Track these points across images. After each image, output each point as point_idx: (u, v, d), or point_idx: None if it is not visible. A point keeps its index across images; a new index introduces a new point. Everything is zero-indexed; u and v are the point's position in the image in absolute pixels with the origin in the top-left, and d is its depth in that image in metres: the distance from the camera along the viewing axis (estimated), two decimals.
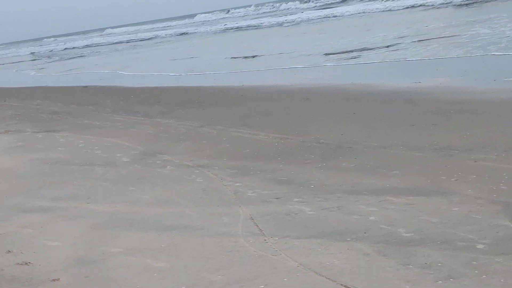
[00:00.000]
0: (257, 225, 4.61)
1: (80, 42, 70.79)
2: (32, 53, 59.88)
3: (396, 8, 36.59)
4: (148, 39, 54.42)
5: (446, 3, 32.07)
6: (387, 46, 19.04)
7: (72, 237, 4.66)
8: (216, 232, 4.56)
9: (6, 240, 4.71)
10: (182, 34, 51.85)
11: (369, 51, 18.66)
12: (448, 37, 18.50)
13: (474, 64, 13.67)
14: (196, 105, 12.42)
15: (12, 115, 14.11)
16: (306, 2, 66.52)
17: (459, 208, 4.62)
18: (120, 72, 24.71)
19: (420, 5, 34.05)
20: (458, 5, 30.78)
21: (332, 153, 7.10)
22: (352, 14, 39.97)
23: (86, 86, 20.02)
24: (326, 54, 19.36)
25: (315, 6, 56.79)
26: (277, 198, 5.36)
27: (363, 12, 39.34)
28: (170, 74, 21.15)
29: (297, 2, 67.76)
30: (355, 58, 17.62)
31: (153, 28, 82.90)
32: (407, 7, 35.20)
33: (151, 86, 17.60)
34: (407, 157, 6.52)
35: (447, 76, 12.87)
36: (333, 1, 56.58)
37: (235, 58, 23.00)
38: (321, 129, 8.56)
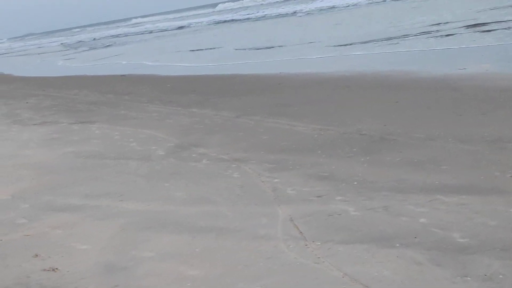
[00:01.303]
0: (297, 228, 4.30)
1: (111, 31, 71.43)
2: (62, 43, 60.43)
3: None
4: (177, 28, 54.23)
5: None
6: (426, 32, 18.42)
7: (102, 239, 4.43)
8: (254, 235, 4.26)
9: (34, 242, 4.51)
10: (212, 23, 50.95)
11: (407, 38, 18.08)
12: (490, 23, 17.76)
13: None
14: (231, 94, 12.15)
15: (49, 105, 14.07)
16: None
17: None
18: (152, 62, 24.59)
19: None
20: None
21: (375, 146, 6.72)
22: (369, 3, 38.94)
23: (123, 75, 19.94)
24: (363, 42, 18.80)
25: None
26: (318, 197, 5.03)
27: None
28: (203, 64, 20.90)
29: None
30: (394, 44, 17.08)
31: (180, 17, 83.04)
32: None
33: (186, 74, 17.39)
34: (456, 151, 6.11)
35: (494, 62, 12.30)
36: None
37: (269, 47, 22.52)
38: (363, 120, 8.17)
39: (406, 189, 5.00)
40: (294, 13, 44.15)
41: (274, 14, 47.36)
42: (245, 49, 23.05)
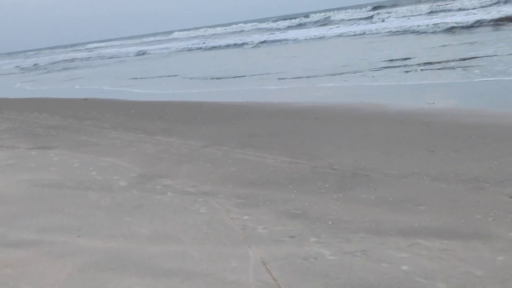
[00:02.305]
0: (270, 273, 3.98)
1: (67, 55, 70.81)
2: (17, 66, 59.29)
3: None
4: (136, 54, 53.59)
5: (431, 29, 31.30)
6: (389, 67, 18.51)
7: (57, 281, 4.03)
8: (224, 280, 3.93)
9: None
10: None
11: (372, 71, 18.11)
12: (452, 61, 17.88)
13: (487, 87, 13.06)
14: (199, 122, 11.83)
15: (7, 128, 13.53)
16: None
17: (505, 257, 3.99)
18: (114, 87, 24.18)
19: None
20: (445, 30, 30.06)
21: (348, 182, 6.48)
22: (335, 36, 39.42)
23: (86, 99, 19.46)
24: (330, 75, 18.78)
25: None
26: (291, 237, 4.73)
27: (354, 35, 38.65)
28: (168, 91, 20.62)
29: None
30: (360, 77, 17.06)
31: (135, 43, 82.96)
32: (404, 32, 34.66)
33: (151, 100, 17.02)
34: (432, 189, 5.90)
35: (462, 98, 12.29)
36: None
37: (233, 77, 22.32)
38: (334, 153, 7.95)
39: (384, 230, 4.74)
40: (246, 44, 44.23)
41: (231, 43, 47.39)
42: (207, 78, 22.78)
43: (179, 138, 10.14)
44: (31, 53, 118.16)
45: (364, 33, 36.27)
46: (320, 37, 40.36)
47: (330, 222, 5.05)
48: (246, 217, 5.36)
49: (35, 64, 58.05)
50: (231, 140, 9.48)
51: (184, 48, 53.07)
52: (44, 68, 49.74)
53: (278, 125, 10.65)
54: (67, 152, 9.61)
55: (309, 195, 6.05)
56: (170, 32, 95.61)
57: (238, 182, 6.85)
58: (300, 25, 60.28)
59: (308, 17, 66.06)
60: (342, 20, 55.76)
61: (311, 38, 40.84)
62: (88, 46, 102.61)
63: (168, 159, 8.50)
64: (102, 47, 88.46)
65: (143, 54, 52.75)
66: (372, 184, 6.29)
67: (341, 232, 4.77)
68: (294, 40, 41.88)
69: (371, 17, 51.26)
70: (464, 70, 15.56)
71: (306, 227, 4.95)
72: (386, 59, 20.15)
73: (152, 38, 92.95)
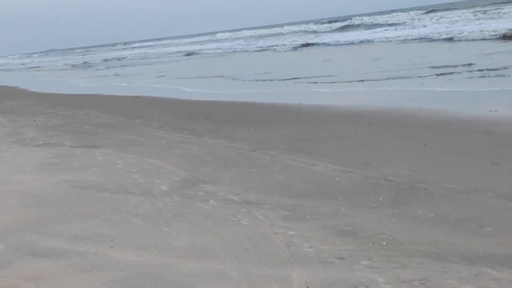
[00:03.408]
0: None
1: (119, 52, 71.56)
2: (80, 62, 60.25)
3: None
4: (186, 54, 53.53)
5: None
6: (442, 74, 17.72)
7: None
8: None
9: None
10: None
11: (423, 77, 17.38)
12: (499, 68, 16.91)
13: None
14: (247, 124, 11.47)
15: (56, 125, 13.48)
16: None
17: None
18: (166, 85, 24.11)
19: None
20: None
21: (404, 196, 5.97)
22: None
23: (137, 97, 19.41)
24: (381, 79, 18.13)
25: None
26: (340, 259, 4.27)
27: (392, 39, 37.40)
28: (219, 91, 20.35)
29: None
30: (412, 82, 16.35)
31: (181, 42, 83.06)
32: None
33: (202, 99, 16.78)
34: (498, 209, 5.34)
35: None
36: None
37: (297, 78, 21.84)
38: (388, 162, 7.43)
39: (445, 255, 4.23)
40: (307, 45, 43.48)
41: (288, 44, 46.67)
42: (259, 80, 22.38)
43: (226, 140, 9.79)
44: (78, 50, 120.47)
45: (406, 38, 35.21)
46: (361, 41, 39.43)
47: (384, 243, 4.57)
48: (291, 232, 4.94)
49: (84, 62, 58.92)
50: (280, 145, 9.06)
51: (233, 49, 52.81)
52: (94, 66, 50.43)
53: (329, 130, 10.18)
54: (112, 152, 9.39)
55: (361, 209, 5.57)
56: (214, 33, 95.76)
57: (285, 191, 6.44)
58: (345, 27, 59.09)
59: (351, 20, 64.90)
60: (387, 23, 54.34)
61: (354, 42, 39.94)
62: (135, 45, 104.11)
63: (213, 162, 8.16)
64: (148, 46, 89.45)
65: (191, 54, 52.76)
66: (431, 199, 5.76)
67: (397, 255, 4.28)
68: (339, 43, 40.98)
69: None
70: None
71: (357, 247, 4.48)
72: (440, 65, 19.31)
73: (196, 39, 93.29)
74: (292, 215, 5.48)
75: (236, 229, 5.08)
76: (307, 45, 43.41)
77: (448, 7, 60.41)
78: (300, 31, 66.19)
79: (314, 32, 61.47)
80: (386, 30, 46.77)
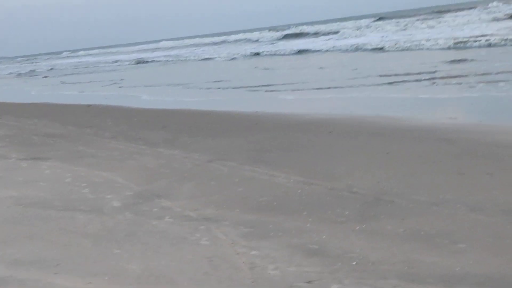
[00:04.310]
0: None
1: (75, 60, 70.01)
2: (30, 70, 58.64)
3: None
4: (136, 63, 52.56)
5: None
6: (396, 82, 17.71)
7: None
8: None
9: None
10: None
11: (380, 85, 17.34)
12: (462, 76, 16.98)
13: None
14: (205, 133, 11.07)
15: (2, 135, 12.82)
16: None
17: None
18: (118, 92, 23.55)
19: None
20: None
21: (371, 209, 5.68)
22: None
23: (90, 105, 18.77)
24: (338, 87, 18.03)
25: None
26: (308, 282, 3.93)
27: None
28: (177, 98, 19.93)
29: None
30: (371, 90, 16.25)
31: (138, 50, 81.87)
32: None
33: (157, 108, 16.30)
34: (469, 222, 5.10)
35: (485, 113, 11.49)
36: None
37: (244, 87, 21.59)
38: (352, 173, 7.16)
39: (420, 276, 3.94)
40: (257, 54, 42.94)
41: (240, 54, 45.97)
42: (213, 87, 22.02)
43: (182, 151, 9.38)
44: (21, 58, 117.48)
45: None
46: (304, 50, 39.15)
47: (354, 263, 4.25)
48: (254, 252, 4.58)
49: (30, 70, 57.18)
50: (239, 155, 8.71)
51: (182, 56, 52.13)
52: (41, 74, 49.13)
53: (289, 139, 9.88)
54: (61, 164, 8.87)
55: (327, 224, 5.26)
56: (158, 41, 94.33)
57: (246, 205, 6.08)
58: (287, 36, 58.78)
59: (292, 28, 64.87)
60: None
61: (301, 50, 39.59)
62: (80, 53, 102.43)
63: (169, 175, 7.75)
64: (95, 54, 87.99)
65: (142, 62, 51.84)
66: (399, 212, 5.49)
67: (369, 276, 3.97)
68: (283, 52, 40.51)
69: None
70: (486, 84, 14.73)
71: (326, 268, 4.15)
72: (392, 73, 19.31)
73: (140, 47, 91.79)
74: (254, 232, 5.13)
75: (194, 250, 4.69)
76: (257, 54, 42.95)
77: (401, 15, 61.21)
78: (245, 39, 65.93)
79: (257, 41, 61.08)
80: (328, 39, 46.61)
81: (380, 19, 59.49)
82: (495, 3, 43.70)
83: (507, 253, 4.28)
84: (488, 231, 4.80)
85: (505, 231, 4.76)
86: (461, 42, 27.04)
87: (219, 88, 21.42)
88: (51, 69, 56.40)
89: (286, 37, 58.38)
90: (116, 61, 57.18)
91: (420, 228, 4.99)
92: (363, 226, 5.16)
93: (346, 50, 34.56)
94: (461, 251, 4.39)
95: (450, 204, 5.63)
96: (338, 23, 63.93)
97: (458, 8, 52.33)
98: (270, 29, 77.61)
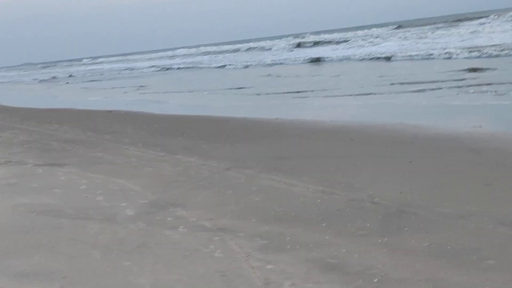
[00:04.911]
0: None
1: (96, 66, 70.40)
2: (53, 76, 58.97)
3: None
4: (162, 69, 52.52)
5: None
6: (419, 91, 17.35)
7: None
8: None
9: None
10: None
11: (402, 93, 17.02)
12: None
13: None
14: (223, 140, 10.89)
15: (22, 141, 12.76)
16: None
17: None
18: (139, 99, 23.50)
19: None
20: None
21: (393, 221, 5.43)
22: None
23: (110, 111, 18.72)
24: (360, 94, 17.74)
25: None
26: None
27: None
28: (197, 103, 19.80)
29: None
30: (392, 98, 15.96)
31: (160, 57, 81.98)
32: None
33: (177, 114, 16.17)
34: (498, 237, 4.82)
35: (511, 122, 11.14)
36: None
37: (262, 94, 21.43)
38: (373, 183, 6.90)
39: None
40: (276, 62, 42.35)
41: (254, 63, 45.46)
42: (238, 93, 21.89)
43: (200, 158, 9.20)
44: (39, 66, 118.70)
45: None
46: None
47: (375, 280, 4.01)
48: (269, 267, 4.35)
49: (53, 77, 57.49)
50: (257, 163, 8.50)
51: (202, 64, 51.99)
52: (65, 80, 49.45)
53: (309, 147, 9.65)
54: (77, 171, 8.74)
55: (347, 237, 5.02)
56: (174, 49, 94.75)
57: (262, 215, 5.86)
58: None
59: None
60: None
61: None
62: (100, 60, 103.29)
63: (186, 183, 7.56)
64: (117, 60, 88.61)
65: (163, 69, 51.79)
66: (423, 225, 5.23)
67: None
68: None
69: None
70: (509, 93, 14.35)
71: (345, 286, 3.92)
72: (414, 81, 18.96)
73: (158, 54, 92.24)
74: (270, 245, 4.91)
75: (207, 263, 4.48)
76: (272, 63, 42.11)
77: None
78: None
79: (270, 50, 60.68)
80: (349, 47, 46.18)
81: (399, 27, 59.04)
82: None
83: None
84: None
85: None
86: (479, 50, 26.58)
87: (238, 94, 21.29)
88: (70, 75, 56.79)
89: (300, 45, 58.18)
90: (136, 68, 57.35)
91: (445, 243, 4.73)
92: (385, 239, 4.91)
93: (363, 59, 34.15)
94: (490, 268, 4.12)
95: (477, 217, 5.36)
96: (356, 31, 63.63)
97: (477, 17, 51.80)
98: (287, 36, 77.57)
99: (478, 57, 25.14)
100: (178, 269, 4.38)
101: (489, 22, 43.77)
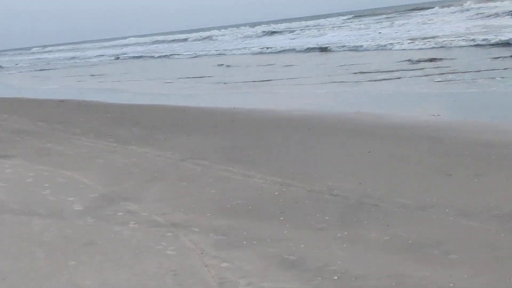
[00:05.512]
0: None
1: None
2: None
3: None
4: (114, 58, 51.76)
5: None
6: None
7: None
8: None
9: None
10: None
11: (360, 82, 17.00)
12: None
13: (496, 100, 11.94)
14: (179, 130, 10.59)
15: None
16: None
17: None
18: (94, 86, 22.94)
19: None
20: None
21: (352, 214, 5.26)
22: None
23: (62, 100, 18.14)
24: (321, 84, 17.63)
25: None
26: None
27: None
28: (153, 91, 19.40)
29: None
30: (351, 86, 15.89)
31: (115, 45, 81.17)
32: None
33: (132, 103, 15.75)
34: (460, 229, 4.70)
35: (469, 110, 11.17)
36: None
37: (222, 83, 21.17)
38: (332, 174, 6.74)
39: None
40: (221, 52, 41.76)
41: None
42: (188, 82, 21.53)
43: (154, 149, 8.89)
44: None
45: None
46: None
47: (335, 277, 3.82)
48: (225, 264, 4.12)
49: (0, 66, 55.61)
50: (213, 153, 8.24)
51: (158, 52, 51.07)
52: (10, 69, 47.99)
53: (266, 137, 9.43)
54: (24, 163, 8.33)
55: (305, 231, 4.82)
56: (126, 37, 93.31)
57: (218, 208, 5.62)
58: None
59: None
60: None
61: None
62: (49, 48, 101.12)
63: (138, 175, 7.26)
64: (67, 50, 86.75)
65: (116, 57, 50.72)
66: (383, 218, 5.08)
67: None
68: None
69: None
70: (465, 82, 14.43)
71: (305, 284, 3.71)
72: (369, 71, 18.97)
73: (108, 43, 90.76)
74: (226, 241, 4.67)
75: (159, 262, 4.22)
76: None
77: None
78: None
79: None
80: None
81: (355, 17, 59.37)
82: (468, 2, 43.86)
83: (503, 266, 3.87)
84: (482, 240, 4.40)
85: (500, 240, 4.36)
86: (435, 39, 26.81)
87: (190, 83, 20.95)
88: (16, 64, 55.06)
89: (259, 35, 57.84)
90: (87, 58, 55.99)
91: (406, 235, 4.58)
92: (345, 233, 4.73)
93: (313, 49, 33.85)
94: (453, 263, 3.98)
95: (439, 208, 5.24)
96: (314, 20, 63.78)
97: (431, 6, 52.52)
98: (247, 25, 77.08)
99: (433, 47, 25.31)
100: (127, 269, 4.10)
101: (441, 13, 44.45)
